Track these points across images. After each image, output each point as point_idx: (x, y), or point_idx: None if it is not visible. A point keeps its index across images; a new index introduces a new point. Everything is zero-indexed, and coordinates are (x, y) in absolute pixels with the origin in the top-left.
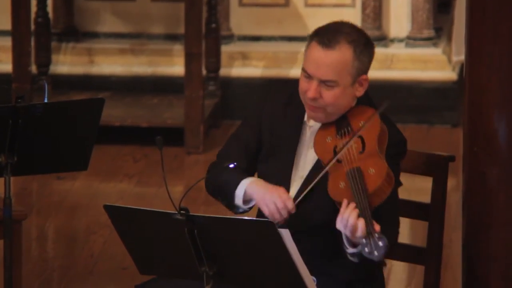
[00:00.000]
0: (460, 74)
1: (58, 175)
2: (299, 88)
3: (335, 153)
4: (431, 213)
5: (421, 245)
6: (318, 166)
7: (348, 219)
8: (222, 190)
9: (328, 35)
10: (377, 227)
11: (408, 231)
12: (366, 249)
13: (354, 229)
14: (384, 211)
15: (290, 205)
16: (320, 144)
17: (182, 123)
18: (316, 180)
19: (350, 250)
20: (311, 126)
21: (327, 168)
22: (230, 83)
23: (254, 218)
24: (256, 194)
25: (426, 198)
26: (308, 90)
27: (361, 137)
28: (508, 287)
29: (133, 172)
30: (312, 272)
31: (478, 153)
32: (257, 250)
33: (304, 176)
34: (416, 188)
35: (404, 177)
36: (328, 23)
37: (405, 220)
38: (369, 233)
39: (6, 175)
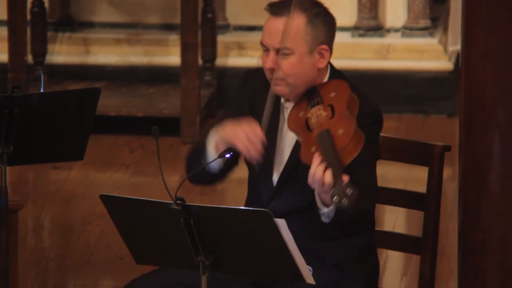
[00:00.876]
0: (456, 64)
1: (54, 164)
2: (262, 64)
3: (307, 125)
4: (427, 202)
5: (417, 234)
6: (297, 147)
7: (315, 173)
8: (196, 157)
9: (280, 4)
10: (345, 178)
11: (404, 220)
12: (335, 199)
13: (321, 181)
14: (358, 176)
15: (259, 130)
16: (293, 121)
17: (178, 113)
18: (270, 103)
19: (323, 209)
20: (287, 107)
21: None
22: (226, 73)
23: (250, 208)
24: (228, 130)
25: (422, 188)
26: (265, 63)
27: (331, 105)
28: (503, 276)
29: (129, 162)
30: (307, 261)
31: (474, 143)
32: (253, 240)
33: (285, 161)
34: (412, 178)
35: (400, 167)
36: None
37: (401, 210)
38: (336, 183)
39: (2, 164)
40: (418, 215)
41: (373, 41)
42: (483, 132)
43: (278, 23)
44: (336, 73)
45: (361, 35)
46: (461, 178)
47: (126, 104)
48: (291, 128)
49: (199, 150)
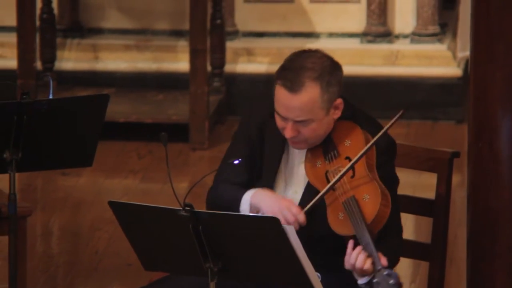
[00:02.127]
0: (465, 70)
1: (63, 171)
2: (277, 124)
3: (327, 179)
4: (435, 209)
5: (425, 241)
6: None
7: (356, 264)
8: (227, 210)
9: (291, 76)
10: (384, 261)
11: (412, 227)
12: None
13: (361, 268)
14: (386, 225)
15: (302, 218)
16: (311, 170)
17: (187, 119)
18: (322, 193)
19: (361, 281)
20: None
21: (331, 184)
22: (235, 79)
23: (259, 214)
24: (264, 204)
25: (431, 194)
26: (284, 129)
27: (348, 159)
28: None
29: (138, 168)
30: (320, 269)
31: (483, 149)
32: (262, 246)
33: (298, 191)
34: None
35: (408, 173)
36: (292, 55)
37: (409, 216)
38: (377, 271)
39: (11, 171)
40: (426, 222)
41: (382, 47)
42: (492, 138)
43: (293, 100)
44: (345, 106)
45: (370, 41)
46: (470, 185)
47: (134, 110)
48: (310, 179)
49: (230, 203)
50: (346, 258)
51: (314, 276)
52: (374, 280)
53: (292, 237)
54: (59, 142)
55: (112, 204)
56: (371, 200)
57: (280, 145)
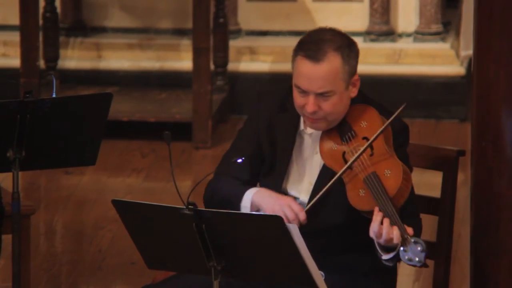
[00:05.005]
0: (468, 69)
1: (66, 169)
2: (295, 103)
3: (345, 160)
4: (440, 207)
5: (430, 239)
6: (325, 172)
7: (383, 232)
8: (226, 205)
9: (312, 47)
10: (410, 231)
11: None
12: (406, 257)
13: (389, 239)
14: (407, 204)
15: (302, 216)
16: (328, 153)
17: (190, 118)
18: (325, 189)
19: (385, 256)
20: (311, 133)
21: (336, 178)
22: (238, 78)
23: (262, 213)
24: (265, 203)
25: (436, 192)
26: (306, 104)
27: (366, 139)
28: None
29: (141, 167)
30: (325, 267)
31: (486, 148)
32: (265, 245)
33: (313, 183)
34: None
35: (414, 172)
36: (309, 32)
37: None
38: (404, 239)
39: (14, 170)
40: (432, 220)
41: (385, 46)
42: (495, 137)
43: (316, 70)
44: (358, 92)
45: (373, 40)
46: (473, 183)
47: (138, 109)
48: (327, 162)
49: (230, 205)
50: (373, 225)
51: (318, 275)
52: (402, 249)
53: (296, 236)
54: (62, 141)
55: (115, 202)
56: (392, 174)
57: (292, 137)
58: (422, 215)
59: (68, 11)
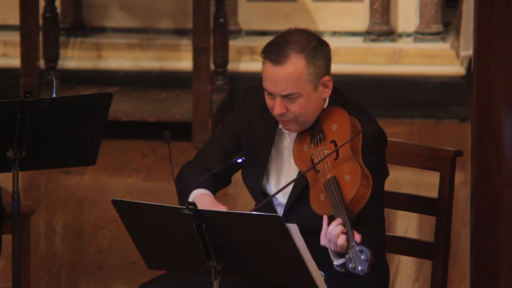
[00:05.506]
0: (468, 69)
1: (66, 169)
2: (267, 105)
3: (312, 162)
4: (438, 208)
5: (429, 240)
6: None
7: (331, 238)
8: (180, 192)
9: (275, 49)
10: (357, 238)
11: (416, 226)
12: (350, 265)
13: (335, 243)
14: (366, 212)
15: None
16: (298, 155)
17: (190, 118)
18: (277, 192)
19: (336, 262)
20: (290, 133)
21: (291, 182)
22: (238, 78)
23: (262, 213)
24: (200, 207)
25: (434, 193)
26: (273, 107)
27: (334, 142)
28: None
29: (141, 167)
30: (325, 267)
31: (486, 148)
32: (265, 245)
33: (291, 186)
34: (424, 183)
35: (411, 172)
36: (277, 35)
37: (413, 215)
38: (351, 247)
39: (14, 169)
40: (430, 220)
41: (385, 46)
42: (495, 137)
43: (279, 72)
44: (335, 96)
45: (373, 40)
46: (473, 183)
47: (138, 109)
48: (297, 163)
49: (182, 195)
50: (322, 233)
51: (318, 275)
52: (347, 256)
53: (296, 236)
54: (62, 141)
55: (115, 202)
56: (351, 180)
57: (271, 136)
58: (420, 216)
59: (68, 11)
